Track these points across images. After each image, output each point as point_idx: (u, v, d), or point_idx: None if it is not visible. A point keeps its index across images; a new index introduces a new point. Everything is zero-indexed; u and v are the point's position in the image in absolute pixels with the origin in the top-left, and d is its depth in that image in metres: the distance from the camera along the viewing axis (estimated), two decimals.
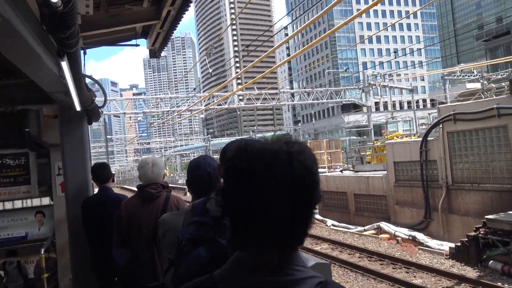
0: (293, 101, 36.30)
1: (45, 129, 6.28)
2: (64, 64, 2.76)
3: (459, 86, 46.31)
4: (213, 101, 32.85)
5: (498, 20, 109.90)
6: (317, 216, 19.24)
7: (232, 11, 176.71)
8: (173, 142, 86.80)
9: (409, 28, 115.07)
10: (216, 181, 2.28)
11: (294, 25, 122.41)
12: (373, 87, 37.14)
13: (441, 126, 12.65)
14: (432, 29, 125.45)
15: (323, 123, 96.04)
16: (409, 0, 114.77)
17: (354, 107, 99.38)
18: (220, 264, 0.91)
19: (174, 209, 3.24)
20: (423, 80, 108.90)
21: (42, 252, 6.00)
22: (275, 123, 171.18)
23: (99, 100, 7.83)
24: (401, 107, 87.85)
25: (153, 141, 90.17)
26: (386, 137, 23.15)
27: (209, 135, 73.51)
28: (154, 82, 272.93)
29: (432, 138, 13.16)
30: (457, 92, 41.73)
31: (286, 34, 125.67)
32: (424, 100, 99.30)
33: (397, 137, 23.28)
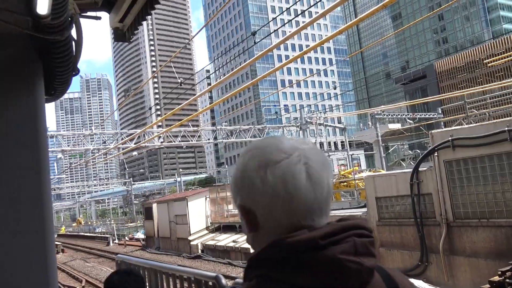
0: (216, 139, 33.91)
1: None
2: None
3: (381, 126, 47.78)
4: (144, 139, 29.56)
5: (402, 68, 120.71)
6: None
7: (153, 53, 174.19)
8: (88, 187, 79.52)
9: (325, 74, 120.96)
10: None
11: (216, 68, 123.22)
12: (311, 125, 36.42)
13: (436, 154, 11.15)
14: (346, 75, 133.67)
15: None
16: (325, 48, 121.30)
17: None
18: None
19: None
20: (340, 122, 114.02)
21: None
22: (197, 165, 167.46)
23: None
24: (322, 147, 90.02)
25: (65, 186, 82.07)
26: (341, 173, 21.68)
27: (131, 179, 68.13)
28: (66, 125, 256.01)
29: (424, 169, 11.62)
30: (381, 132, 42.69)
31: (208, 77, 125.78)
32: (342, 141, 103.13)
33: (350, 174, 21.90)
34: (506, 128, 9.64)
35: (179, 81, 13.21)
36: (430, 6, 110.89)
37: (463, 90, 32.73)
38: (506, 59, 24.34)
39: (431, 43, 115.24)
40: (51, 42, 1.69)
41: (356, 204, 16.31)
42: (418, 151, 27.21)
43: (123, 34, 4.85)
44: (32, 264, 1.71)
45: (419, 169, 11.72)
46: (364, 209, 14.10)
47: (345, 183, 20.53)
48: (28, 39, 1.71)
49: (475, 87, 34.42)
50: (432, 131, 11.45)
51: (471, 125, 11.08)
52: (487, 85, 30.29)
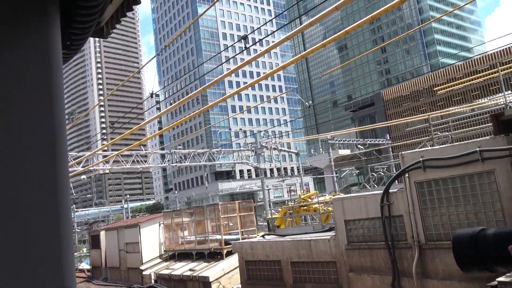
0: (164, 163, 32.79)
1: None
2: None
3: (332, 152, 48.64)
4: (92, 162, 27.91)
5: (348, 97, 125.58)
6: None
7: (99, 75, 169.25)
8: None
9: (275, 101, 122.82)
10: None
11: (167, 92, 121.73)
12: (266, 149, 36.23)
13: (406, 175, 11.04)
14: (295, 103, 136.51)
15: (198, 190, 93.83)
16: (275, 76, 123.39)
17: (227, 174, 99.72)
18: None
19: None
20: (289, 148, 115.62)
21: None
22: (144, 192, 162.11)
23: None
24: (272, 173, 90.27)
25: None
26: (302, 196, 21.38)
27: (73, 206, 64.26)
28: None
29: (395, 190, 11.46)
30: (331, 158, 43.35)
31: (158, 102, 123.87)
32: (292, 168, 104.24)
33: (310, 198, 21.68)
34: (478, 149, 9.70)
35: (151, 92, 12.33)
36: (374, 39, 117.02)
37: (412, 117, 34.18)
38: (453, 87, 25.58)
39: (375, 74, 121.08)
40: None
41: (320, 227, 15.94)
42: (374, 174, 27.54)
43: (100, 29, 4.17)
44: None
45: (390, 190, 11.56)
46: (331, 233, 13.73)
47: (305, 207, 20.21)
48: None
49: (419, 115, 36.22)
50: (403, 152, 11.38)
51: (442, 146, 11.12)
52: (432, 112, 31.70)
